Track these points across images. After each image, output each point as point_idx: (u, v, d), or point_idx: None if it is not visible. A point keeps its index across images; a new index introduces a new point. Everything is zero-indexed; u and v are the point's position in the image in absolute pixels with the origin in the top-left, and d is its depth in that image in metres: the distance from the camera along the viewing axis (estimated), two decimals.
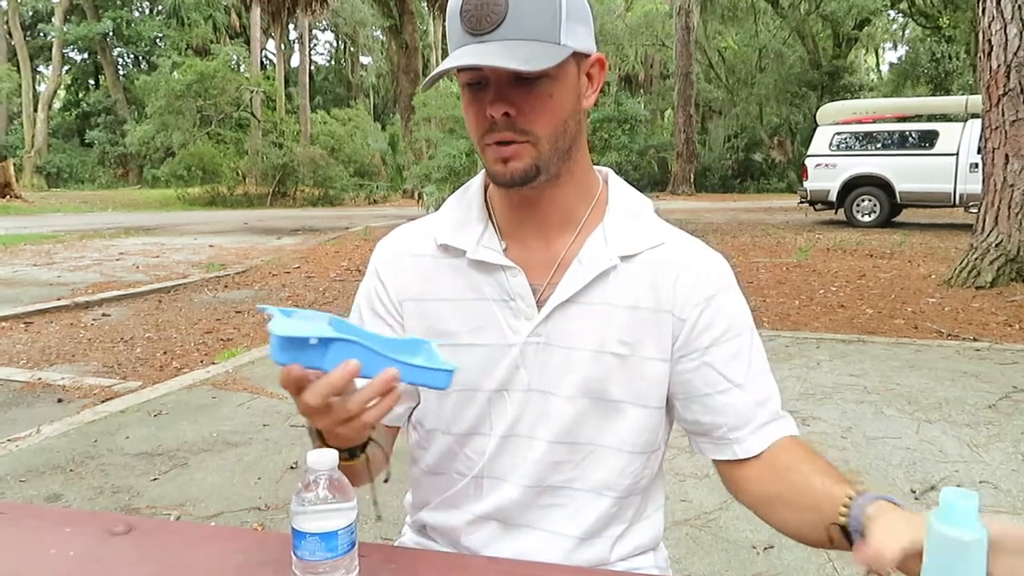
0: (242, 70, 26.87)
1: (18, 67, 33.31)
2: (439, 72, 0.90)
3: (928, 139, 13.08)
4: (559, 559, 0.99)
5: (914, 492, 2.95)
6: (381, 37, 39.56)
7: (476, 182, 1.08)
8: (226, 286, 8.33)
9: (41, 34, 37.12)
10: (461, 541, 1.03)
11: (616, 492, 1.00)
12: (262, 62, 30.88)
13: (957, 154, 12.56)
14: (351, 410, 0.75)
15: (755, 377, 0.99)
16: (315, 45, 46.48)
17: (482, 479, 1.01)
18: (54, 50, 35.07)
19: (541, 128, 0.91)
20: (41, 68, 39.96)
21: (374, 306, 1.05)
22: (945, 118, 13.95)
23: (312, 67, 39.24)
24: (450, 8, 0.90)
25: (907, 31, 33.93)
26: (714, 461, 1.02)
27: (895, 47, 38.50)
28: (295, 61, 35.55)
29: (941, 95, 22.38)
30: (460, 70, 0.90)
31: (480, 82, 0.91)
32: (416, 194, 21.91)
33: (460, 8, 0.88)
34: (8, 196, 22.06)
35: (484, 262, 0.99)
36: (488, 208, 1.04)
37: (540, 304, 0.98)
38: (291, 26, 32.96)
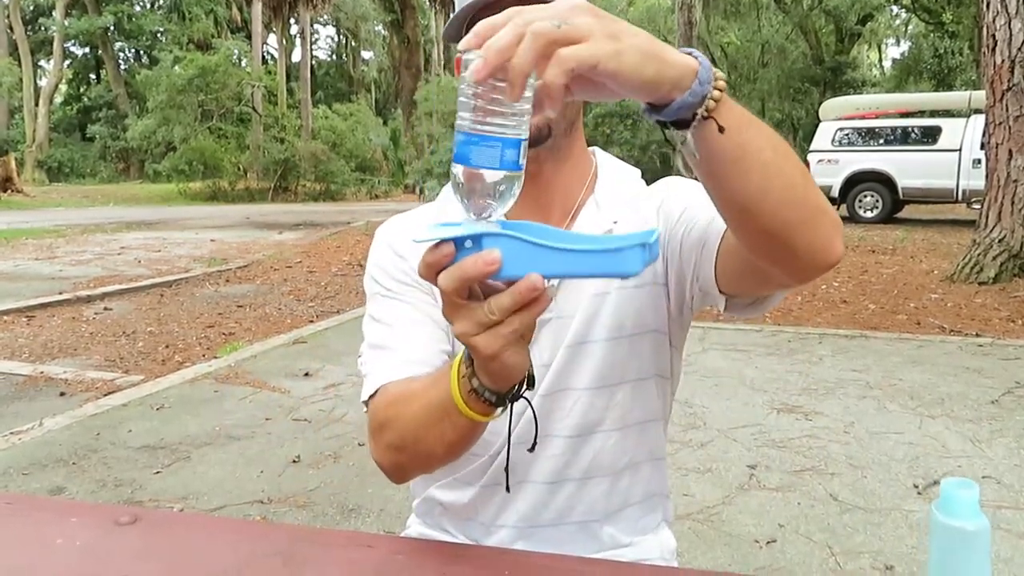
0: (243, 65, 26.83)
1: (19, 61, 33.28)
2: (467, 6, 0.90)
3: (931, 135, 13.05)
4: (564, 507, 1.01)
5: (917, 487, 2.95)
6: (383, 32, 39.52)
7: None
8: (228, 281, 8.33)
9: (42, 28, 37.05)
10: (473, 516, 1.05)
11: (606, 427, 1.01)
12: (263, 57, 30.82)
13: (960, 150, 12.52)
14: (493, 314, 0.61)
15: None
16: (316, 40, 46.41)
17: (496, 456, 1.01)
18: (55, 44, 35.01)
19: None
20: (42, 63, 39.93)
21: (398, 278, 1.01)
22: (948, 114, 13.91)
23: (313, 62, 39.17)
24: None
25: (910, 26, 33.83)
26: (718, 254, 0.91)
27: (898, 43, 38.38)
28: (296, 56, 35.49)
29: (944, 91, 22.32)
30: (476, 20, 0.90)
31: None
32: (417, 189, 21.92)
33: None
34: (9, 191, 22.07)
35: None
36: None
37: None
38: (292, 20, 32.92)
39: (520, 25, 0.55)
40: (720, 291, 0.90)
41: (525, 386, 0.75)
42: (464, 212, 0.62)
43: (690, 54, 0.62)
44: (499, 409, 0.74)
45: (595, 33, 0.56)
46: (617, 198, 1.03)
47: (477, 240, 0.60)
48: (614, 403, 1.00)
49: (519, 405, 0.99)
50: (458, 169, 0.60)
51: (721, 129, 0.63)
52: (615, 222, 1.01)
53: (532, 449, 0.89)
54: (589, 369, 0.99)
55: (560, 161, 0.99)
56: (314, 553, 0.77)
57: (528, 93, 0.57)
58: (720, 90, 0.63)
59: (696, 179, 0.98)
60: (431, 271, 0.62)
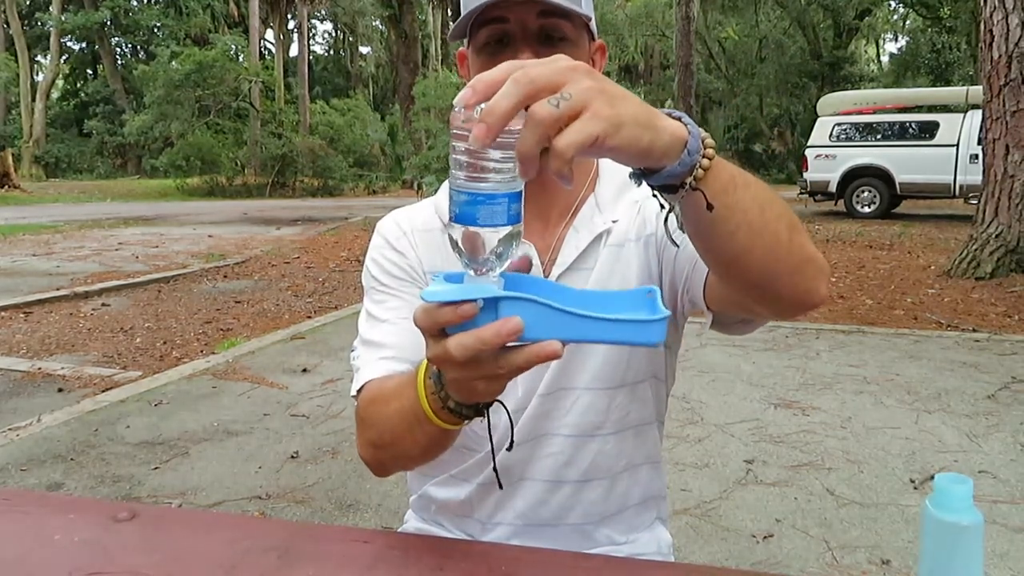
0: (241, 60, 26.75)
1: (16, 56, 33.17)
2: (477, 7, 0.89)
3: (928, 130, 13.06)
4: (562, 506, 1.02)
5: (913, 482, 2.96)
6: (380, 27, 39.42)
7: None
8: (225, 276, 8.32)
9: (39, 23, 36.92)
10: (470, 513, 1.05)
11: (606, 430, 1.01)
12: (261, 52, 30.75)
13: (957, 145, 12.54)
14: (500, 370, 0.61)
15: None
16: (314, 35, 46.30)
17: (491, 453, 1.01)
18: (52, 39, 34.87)
19: None
20: (39, 57, 39.81)
21: (394, 273, 1.02)
22: (945, 109, 13.92)
23: (311, 57, 39.08)
24: None
25: (908, 21, 33.81)
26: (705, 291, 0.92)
27: (896, 38, 38.36)
28: (294, 51, 35.44)
29: (941, 86, 22.31)
30: (486, 21, 0.90)
31: (502, 39, 0.91)
32: (416, 184, 21.87)
33: None
34: (7, 186, 22.03)
35: None
36: None
37: (545, 277, 0.99)
38: (290, 15, 32.84)
39: (523, 85, 0.54)
40: (708, 308, 0.91)
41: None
42: (465, 269, 0.61)
43: (679, 119, 0.62)
44: (476, 415, 0.74)
45: (593, 103, 0.55)
46: (618, 198, 1.03)
47: (493, 301, 0.59)
48: (614, 405, 1.00)
49: (519, 401, 0.99)
50: (461, 230, 0.58)
51: (710, 207, 0.64)
52: (615, 221, 1.01)
53: (511, 448, 0.90)
54: (589, 369, 0.99)
55: None
56: (310, 548, 0.78)
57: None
58: (709, 158, 0.62)
59: None
60: (435, 328, 0.60)
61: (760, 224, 0.69)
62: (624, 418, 1.02)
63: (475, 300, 0.58)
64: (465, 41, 0.98)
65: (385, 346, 0.95)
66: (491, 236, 0.58)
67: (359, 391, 0.93)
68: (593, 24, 0.96)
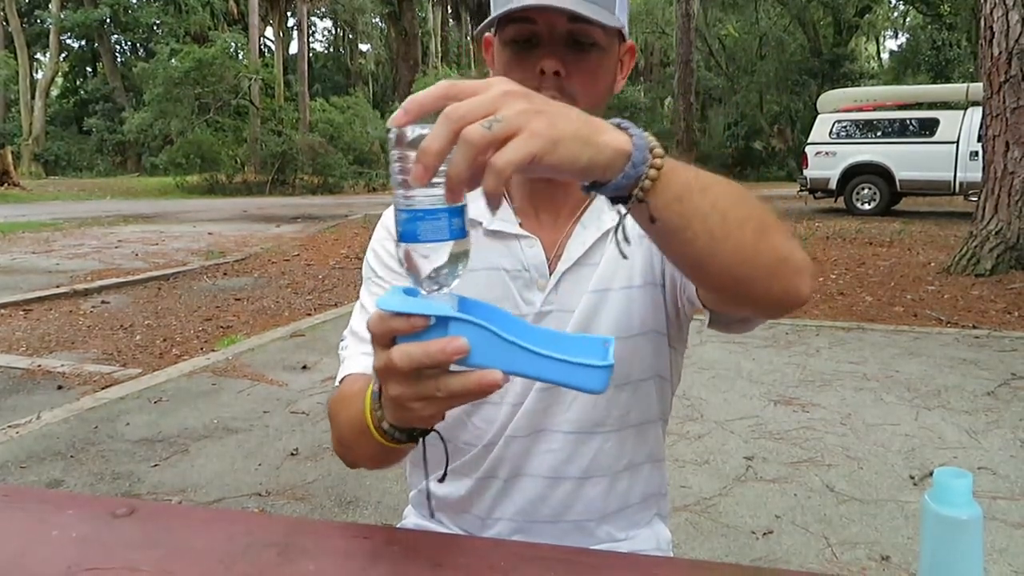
0: (240, 57, 26.74)
1: (15, 54, 33.14)
2: (508, 11, 0.87)
3: (928, 127, 13.05)
4: (561, 503, 1.01)
5: (913, 478, 2.96)
6: (380, 24, 39.39)
7: None
8: (225, 274, 8.32)
9: (38, 21, 36.89)
10: (468, 509, 1.04)
11: (607, 427, 1.00)
12: (260, 49, 30.72)
13: (957, 142, 12.53)
14: (439, 392, 0.60)
15: None
16: (313, 32, 46.26)
17: (492, 446, 1.01)
18: (51, 37, 34.84)
19: (585, 96, 0.89)
20: (38, 55, 39.78)
21: (391, 266, 1.02)
22: (945, 106, 13.91)
23: (311, 54, 39.05)
24: None
25: (908, 19, 33.79)
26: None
27: (896, 35, 38.34)
28: (293, 48, 35.40)
29: (942, 83, 22.29)
30: (514, 19, 0.89)
31: (530, 40, 0.90)
32: None
33: None
34: (6, 184, 22.00)
35: (501, 232, 1.00)
36: None
37: (551, 273, 0.99)
38: (289, 13, 32.80)
39: (454, 121, 0.54)
40: (704, 306, 0.91)
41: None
42: (415, 287, 0.60)
43: (626, 130, 0.62)
44: (410, 440, 0.73)
45: (529, 125, 0.55)
46: None
47: (444, 320, 0.58)
48: (616, 403, 1.00)
49: (516, 396, 0.99)
50: (405, 248, 0.59)
51: (652, 219, 0.63)
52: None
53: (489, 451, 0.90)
54: None
55: None
56: (309, 544, 0.78)
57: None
58: (657, 168, 0.61)
59: None
60: (386, 336, 0.60)
61: (721, 230, 0.67)
62: (626, 416, 1.01)
63: (427, 315, 0.58)
64: (492, 28, 0.96)
65: (367, 341, 0.95)
66: (435, 252, 0.58)
67: (340, 383, 0.94)
68: (625, 28, 0.95)
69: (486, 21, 0.92)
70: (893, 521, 2.63)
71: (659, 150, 0.62)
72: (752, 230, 0.69)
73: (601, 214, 1.00)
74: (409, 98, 0.57)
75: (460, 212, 0.58)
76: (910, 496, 2.81)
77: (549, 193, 1.00)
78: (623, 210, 0.65)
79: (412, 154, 0.56)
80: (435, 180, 0.56)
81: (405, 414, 0.65)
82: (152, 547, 0.76)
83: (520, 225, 1.01)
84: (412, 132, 0.56)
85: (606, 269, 0.99)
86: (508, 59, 0.92)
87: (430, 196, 0.57)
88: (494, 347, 0.58)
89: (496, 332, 0.58)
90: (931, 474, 2.90)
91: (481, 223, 1.00)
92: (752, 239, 0.69)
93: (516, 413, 1.00)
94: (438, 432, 0.76)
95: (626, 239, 0.71)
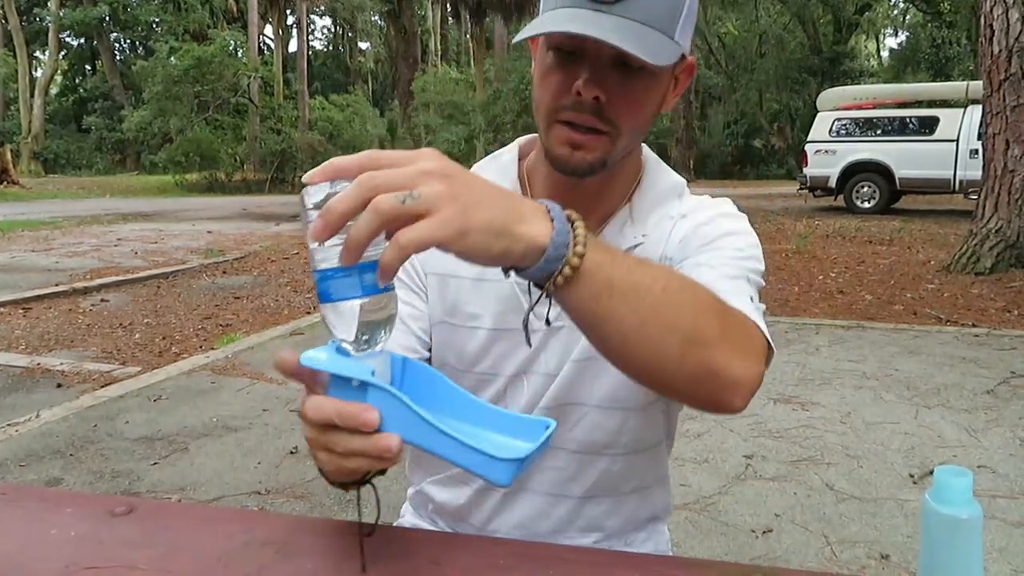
0: (239, 55, 26.72)
1: (14, 52, 33.11)
2: (542, 31, 0.80)
3: (928, 125, 13.04)
4: (562, 520, 0.99)
5: (912, 477, 2.96)
6: (380, 22, 39.35)
7: (509, 153, 1.00)
8: (225, 272, 8.32)
9: (37, 19, 36.86)
10: (465, 517, 1.03)
11: (616, 450, 0.98)
12: (260, 47, 30.69)
13: (957, 140, 12.53)
14: (336, 447, 0.59)
15: (728, 267, 0.86)
16: (313, 30, 46.22)
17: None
18: (50, 35, 34.81)
19: (626, 123, 0.84)
20: (37, 53, 39.74)
21: (400, 275, 0.97)
22: (945, 104, 13.91)
23: (310, 52, 39.02)
24: None
25: (908, 16, 33.77)
26: None
27: (896, 33, 38.33)
28: (293, 46, 35.36)
29: (941, 81, 22.29)
30: (570, 35, 0.79)
31: (575, 52, 0.82)
32: None
33: None
34: (5, 182, 21.99)
35: None
36: (522, 184, 0.98)
37: None
38: (288, 11, 32.76)
39: (367, 189, 0.53)
40: None
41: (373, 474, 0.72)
42: (348, 349, 0.59)
43: (553, 220, 0.60)
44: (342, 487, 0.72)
45: (441, 208, 0.54)
46: (653, 210, 0.96)
47: (363, 385, 0.57)
48: (626, 427, 0.96)
49: (521, 409, 0.95)
50: (324, 308, 0.58)
51: (547, 321, 0.64)
52: (644, 235, 0.94)
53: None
54: (602, 386, 0.94)
55: (611, 176, 0.92)
56: (307, 542, 0.77)
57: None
58: (573, 267, 0.60)
59: (743, 213, 0.95)
60: (306, 385, 0.60)
61: (637, 337, 0.64)
62: (637, 440, 0.98)
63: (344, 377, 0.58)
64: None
65: None
66: (346, 310, 0.58)
67: None
68: (688, 46, 0.86)
69: (532, 30, 0.82)
70: (893, 520, 2.63)
71: (580, 247, 0.60)
72: (680, 341, 0.66)
73: (623, 229, 0.94)
74: (331, 161, 0.57)
75: (373, 268, 0.56)
76: (910, 495, 2.81)
77: (573, 197, 0.90)
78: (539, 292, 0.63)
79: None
80: (341, 238, 0.56)
81: (316, 460, 0.63)
82: (151, 546, 0.76)
83: None
84: (321, 192, 0.56)
85: None
86: (549, 65, 0.85)
87: (337, 255, 0.56)
88: (405, 420, 0.57)
89: (408, 405, 0.56)
90: (931, 473, 2.91)
91: None
92: (676, 350, 0.66)
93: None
94: (373, 486, 0.75)
95: (547, 321, 0.73)
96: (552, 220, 0.60)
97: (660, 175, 0.98)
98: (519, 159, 0.99)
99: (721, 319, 0.70)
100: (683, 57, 0.86)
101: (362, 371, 0.57)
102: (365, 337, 0.59)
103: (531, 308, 0.68)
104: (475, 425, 0.61)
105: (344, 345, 0.59)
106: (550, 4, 0.83)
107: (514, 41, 0.87)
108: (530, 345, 0.92)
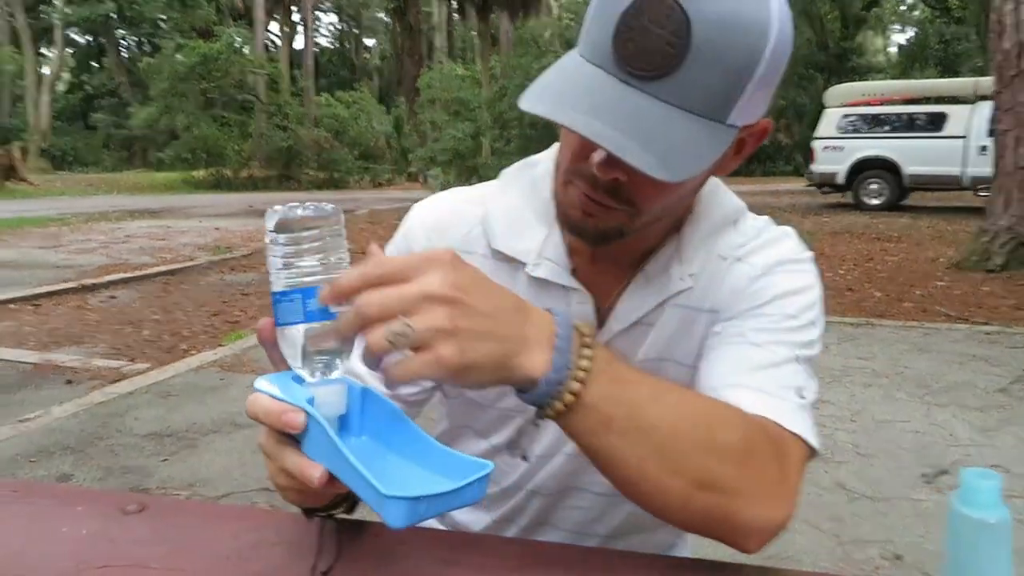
0: (246, 52, 26.76)
1: (21, 49, 33.21)
2: (545, 114, 0.65)
3: (936, 121, 12.98)
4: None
5: (925, 476, 2.93)
6: (385, 19, 39.35)
7: (543, 164, 0.87)
8: (232, 269, 8.33)
9: (43, 16, 36.99)
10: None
11: None
12: (265, 44, 30.73)
13: (966, 136, 12.46)
14: (276, 458, 0.59)
15: (772, 351, 0.76)
16: (319, 27, 46.26)
17: (510, 495, 0.94)
18: (57, 32, 34.95)
19: (649, 205, 0.72)
20: (44, 50, 39.89)
21: None
22: (954, 100, 13.83)
23: (316, 49, 39.05)
24: (609, 4, 0.64)
25: (916, 12, 33.61)
26: None
27: (903, 29, 38.17)
28: (299, 43, 35.39)
29: (950, 77, 22.18)
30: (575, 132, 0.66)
31: None
32: (421, 177, 21.84)
33: (623, 17, 0.63)
34: (13, 179, 22.06)
35: (547, 281, 0.82)
36: (556, 205, 0.84)
37: (600, 323, 0.84)
38: (294, 8, 32.78)
39: (363, 317, 0.54)
40: None
41: (343, 507, 0.73)
42: (304, 372, 0.59)
43: (555, 346, 0.58)
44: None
45: (438, 349, 0.54)
46: (703, 244, 0.83)
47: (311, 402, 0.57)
48: None
49: (545, 448, 0.89)
50: (276, 332, 0.59)
51: (568, 433, 0.62)
52: (691, 275, 0.82)
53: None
54: None
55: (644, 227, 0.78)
56: (319, 541, 0.76)
57: (328, 239, 0.58)
58: (567, 403, 0.59)
59: (806, 253, 0.85)
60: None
61: (638, 476, 0.62)
62: None
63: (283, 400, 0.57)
64: None
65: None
66: (292, 335, 0.57)
67: None
68: (761, 110, 0.70)
69: (538, 104, 0.66)
70: (905, 520, 2.61)
71: (576, 384, 0.59)
72: (686, 484, 0.63)
73: (669, 267, 0.82)
74: (337, 280, 0.55)
75: (314, 293, 0.56)
76: (922, 494, 2.79)
77: (606, 249, 0.80)
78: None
79: (281, 237, 0.56)
80: (293, 261, 0.56)
81: (269, 471, 0.63)
82: (161, 543, 0.75)
83: (573, 272, 0.82)
84: (275, 216, 0.57)
85: (663, 332, 0.83)
86: (568, 131, 0.72)
87: (286, 278, 0.57)
88: (325, 444, 0.55)
89: (328, 434, 0.55)
90: (944, 472, 2.89)
91: (524, 265, 0.83)
92: (681, 494, 0.63)
93: (540, 469, 0.91)
94: (333, 518, 0.73)
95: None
96: (554, 345, 0.59)
97: (715, 202, 0.85)
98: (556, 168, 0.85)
99: (741, 461, 0.65)
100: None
101: (297, 399, 0.57)
102: (318, 364, 0.58)
103: (533, 422, 0.67)
104: (416, 462, 0.59)
105: (297, 371, 0.59)
106: (587, 47, 0.67)
107: (521, 106, 0.67)
108: (536, 425, 0.88)
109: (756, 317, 0.79)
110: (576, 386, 0.59)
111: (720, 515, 0.65)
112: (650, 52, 0.62)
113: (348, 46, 47.06)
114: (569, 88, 0.66)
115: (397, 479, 0.56)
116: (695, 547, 1.01)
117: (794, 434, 0.71)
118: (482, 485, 0.56)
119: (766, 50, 0.63)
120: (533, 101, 0.66)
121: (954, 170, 12.59)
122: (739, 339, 0.78)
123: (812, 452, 0.74)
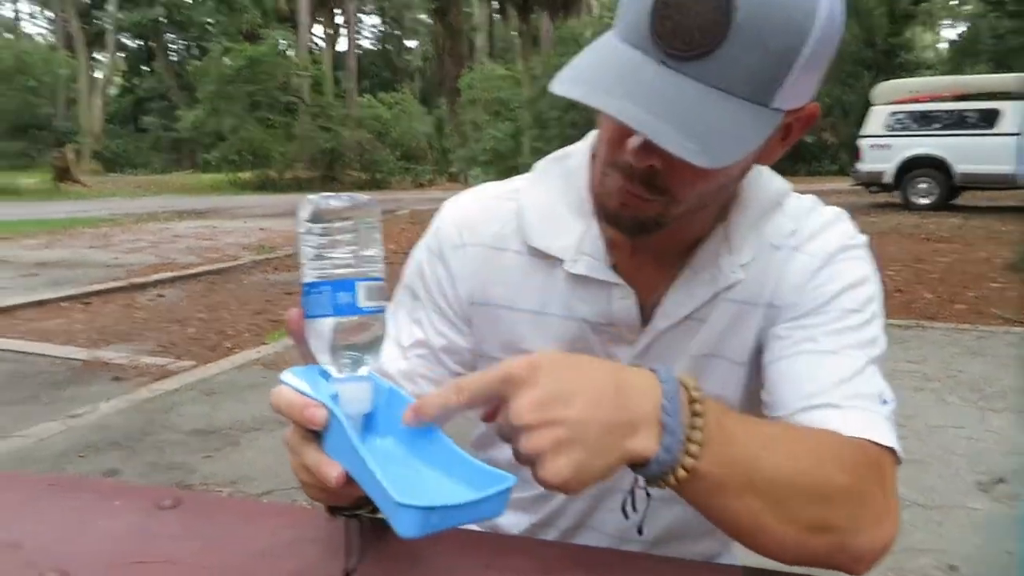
0: (290, 55, 27.16)
1: (74, 53, 34.18)
2: (578, 97, 0.63)
3: (989, 118, 12.58)
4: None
5: (980, 484, 2.83)
6: (427, 20, 39.61)
7: (577, 157, 0.84)
8: (276, 268, 8.44)
9: (96, 20, 38.01)
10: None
11: None
12: (309, 47, 31.15)
13: (1020, 134, 12.07)
14: (297, 454, 0.59)
15: (846, 354, 0.75)
16: (361, 29, 46.76)
17: (548, 496, 0.91)
18: (109, 37, 35.89)
19: (685, 193, 0.69)
20: (96, 55, 41.00)
21: (433, 295, 0.86)
22: (1007, 96, 13.39)
23: (359, 51, 39.49)
24: None
25: (967, 6, 32.73)
26: None
27: (954, 24, 37.19)
28: (342, 45, 35.81)
29: (1003, 73, 21.56)
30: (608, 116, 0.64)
31: None
32: (462, 177, 21.93)
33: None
34: (68, 181, 22.72)
35: (587, 277, 0.79)
36: (591, 196, 0.81)
37: (644, 320, 0.80)
38: (337, 10, 33.17)
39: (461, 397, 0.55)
40: None
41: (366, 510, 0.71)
42: (332, 368, 0.57)
43: (664, 424, 0.56)
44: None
45: (548, 465, 0.54)
46: (753, 230, 0.79)
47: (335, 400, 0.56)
48: None
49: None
50: (305, 325, 0.58)
51: (681, 495, 0.60)
52: (742, 266, 0.78)
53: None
54: None
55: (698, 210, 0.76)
56: (355, 541, 0.75)
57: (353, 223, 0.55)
58: (687, 469, 0.57)
59: (860, 235, 0.84)
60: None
61: (752, 528, 0.62)
62: None
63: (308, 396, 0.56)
64: None
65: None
66: (322, 328, 0.56)
67: None
68: (810, 93, 0.66)
69: (571, 86, 0.65)
70: (960, 529, 2.52)
71: (689, 460, 0.57)
72: (800, 530, 0.62)
73: (719, 257, 0.78)
74: (425, 401, 0.57)
75: (344, 287, 0.55)
76: (978, 503, 2.69)
77: (647, 240, 0.77)
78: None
79: (316, 226, 0.55)
80: (325, 252, 0.55)
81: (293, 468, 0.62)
82: (194, 539, 0.75)
83: (613, 267, 0.79)
84: (310, 206, 0.56)
85: (715, 328, 0.80)
86: (605, 118, 0.69)
87: (317, 269, 0.55)
88: (343, 445, 0.54)
89: (349, 436, 0.53)
90: (1001, 480, 2.79)
91: (562, 261, 0.80)
92: (797, 537, 0.63)
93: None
94: (359, 518, 0.71)
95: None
96: (663, 424, 0.56)
97: (760, 185, 0.81)
98: (591, 158, 0.82)
99: (852, 500, 0.64)
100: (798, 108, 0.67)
101: (320, 392, 0.56)
102: (346, 360, 0.57)
103: (647, 485, 0.63)
104: (438, 469, 0.57)
105: (324, 366, 0.57)
106: (623, 31, 0.64)
107: (553, 89, 0.65)
108: (627, 517, 0.87)
109: (823, 315, 0.76)
110: (689, 461, 0.57)
111: (834, 551, 0.64)
112: (689, 30, 0.59)
113: (390, 48, 47.51)
114: (603, 71, 0.64)
115: (415, 485, 0.54)
116: (742, 556, 0.97)
117: (886, 448, 0.71)
118: (503, 499, 0.53)
119: (813, 30, 0.60)
120: (566, 85, 0.64)
121: (1007, 168, 12.20)
122: (811, 345, 0.75)
123: (899, 460, 0.74)
